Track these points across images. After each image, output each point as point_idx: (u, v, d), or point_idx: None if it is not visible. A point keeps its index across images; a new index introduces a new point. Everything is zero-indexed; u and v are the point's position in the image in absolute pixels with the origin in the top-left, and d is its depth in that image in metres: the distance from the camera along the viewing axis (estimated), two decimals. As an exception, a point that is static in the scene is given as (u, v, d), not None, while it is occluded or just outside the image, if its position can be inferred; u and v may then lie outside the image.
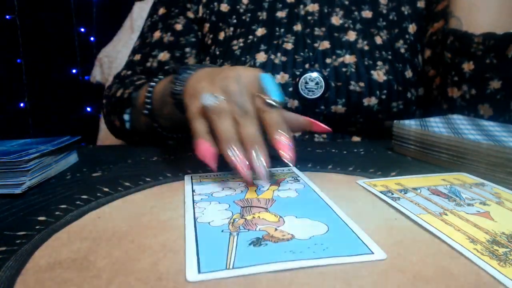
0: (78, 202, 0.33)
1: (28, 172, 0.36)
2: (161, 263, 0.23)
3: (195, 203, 0.31)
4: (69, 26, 1.97)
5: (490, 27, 0.55)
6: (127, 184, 0.38)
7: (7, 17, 1.90)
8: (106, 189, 0.36)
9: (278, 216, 0.28)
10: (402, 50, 0.66)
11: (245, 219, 0.28)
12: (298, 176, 0.38)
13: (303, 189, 0.35)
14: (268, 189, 0.34)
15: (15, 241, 0.26)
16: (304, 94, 0.60)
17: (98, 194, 0.35)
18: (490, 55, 0.55)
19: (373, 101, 0.60)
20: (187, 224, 0.27)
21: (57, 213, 0.31)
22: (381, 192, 0.33)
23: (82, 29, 1.99)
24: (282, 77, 0.61)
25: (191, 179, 0.38)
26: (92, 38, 2.00)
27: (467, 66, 0.57)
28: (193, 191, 0.35)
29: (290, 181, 0.37)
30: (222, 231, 0.26)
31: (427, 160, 0.45)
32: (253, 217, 0.28)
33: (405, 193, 0.32)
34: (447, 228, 0.26)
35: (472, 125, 0.47)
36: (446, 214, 0.28)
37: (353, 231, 0.26)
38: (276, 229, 0.26)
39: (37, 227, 0.29)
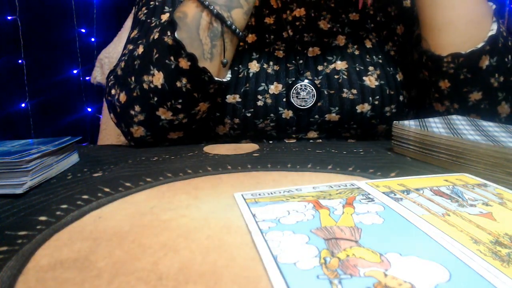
0: (79, 202, 0.33)
1: (29, 172, 0.36)
2: (162, 262, 0.23)
3: (263, 234, 0.25)
4: (70, 27, 1.97)
5: (455, 48, 0.55)
6: (127, 184, 0.38)
7: (9, 18, 1.91)
8: (107, 189, 0.36)
9: (378, 254, 0.22)
10: (392, 53, 0.65)
11: (338, 258, 0.22)
12: (369, 194, 0.32)
13: (384, 211, 0.29)
14: (343, 212, 0.29)
15: (16, 241, 0.26)
16: (296, 105, 0.60)
17: (99, 194, 0.35)
18: (463, 71, 0.55)
19: (366, 107, 0.60)
20: (267, 265, 0.22)
21: (58, 213, 0.31)
22: (383, 193, 0.33)
23: (83, 30, 2.00)
24: (276, 87, 0.60)
25: (243, 198, 0.32)
26: (92, 39, 2.00)
27: (444, 84, 0.57)
28: (253, 215, 0.28)
29: (363, 200, 0.31)
30: (318, 277, 0.20)
31: (427, 160, 0.45)
32: (347, 255, 0.22)
33: (408, 194, 0.32)
34: (450, 229, 0.26)
35: (471, 125, 0.47)
36: (449, 215, 0.28)
37: (484, 278, 0.20)
38: (386, 275, 0.20)
39: (38, 227, 0.29)
